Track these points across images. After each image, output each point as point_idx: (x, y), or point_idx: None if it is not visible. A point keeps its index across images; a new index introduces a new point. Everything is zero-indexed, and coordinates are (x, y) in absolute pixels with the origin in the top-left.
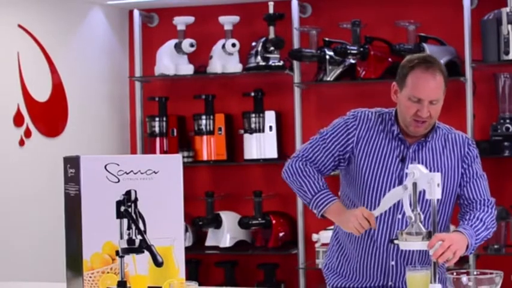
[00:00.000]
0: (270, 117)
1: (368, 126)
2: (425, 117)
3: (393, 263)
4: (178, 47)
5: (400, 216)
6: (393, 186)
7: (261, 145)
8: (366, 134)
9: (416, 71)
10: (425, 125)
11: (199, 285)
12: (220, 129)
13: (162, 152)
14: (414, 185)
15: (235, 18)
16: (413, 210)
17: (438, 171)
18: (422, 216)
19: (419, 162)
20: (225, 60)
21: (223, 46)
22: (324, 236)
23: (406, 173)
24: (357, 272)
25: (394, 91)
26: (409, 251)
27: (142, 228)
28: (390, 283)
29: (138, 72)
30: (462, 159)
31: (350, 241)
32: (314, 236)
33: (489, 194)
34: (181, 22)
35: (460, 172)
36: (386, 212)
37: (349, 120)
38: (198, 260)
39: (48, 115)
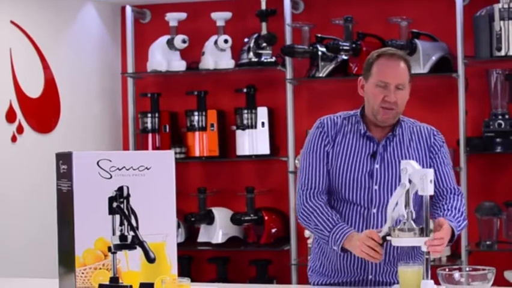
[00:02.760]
0: (262, 113)
1: (335, 130)
2: (393, 102)
3: None
4: (170, 43)
5: (375, 211)
6: (364, 182)
7: (253, 141)
8: (336, 136)
9: (380, 59)
10: (393, 113)
11: (192, 281)
12: (212, 125)
13: (154, 148)
14: (410, 182)
15: (228, 15)
16: (405, 208)
17: None
18: (415, 214)
19: (388, 156)
20: (217, 56)
21: (216, 42)
22: None
23: (376, 168)
24: (338, 269)
25: (361, 86)
26: (386, 245)
27: (134, 224)
28: (370, 277)
29: (130, 68)
30: (429, 149)
31: None
32: (306, 233)
33: (456, 183)
34: (173, 18)
35: (427, 162)
36: (361, 206)
37: (318, 129)
38: (190, 256)
39: (40, 111)
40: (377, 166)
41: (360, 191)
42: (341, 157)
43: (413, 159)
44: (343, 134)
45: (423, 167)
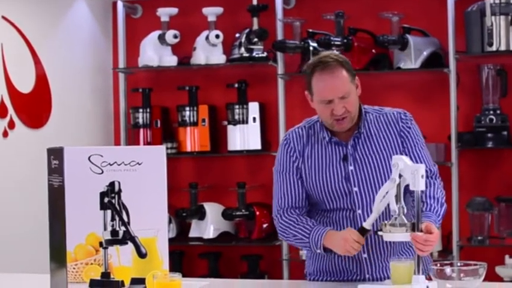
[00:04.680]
0: (253, 108)
1: (302, 143)
2: (341, 114)
3: (365, 255)
4: (161, 39)
5: (360, 212)
6: (343, 187)
7: (244, 136)
8: (303, 150)
9: (315, 76)
10: (347, 120)
11: (183, 276)
12: (203, 120)
13: (146, 143)
14: (400, 177)
15: (219, 10)
16: (396, 203)
17: (379, 155)
18: (406, 209)
19: (359, 155)
20: (208, 51)
21: (207, 37)
22: None
23: (351, 170)
24: (334, 271)
25: (309, 100)
26: (378, 242)
27: (125, 219)
28: (367, 275)
29: (122, 63)
30: (399, 134)
31: None
32: None
33: (431, 164)
34: (164, 13)
35: (399, 149)
36: (345, 210)
37: (284, 146)
38: (181, 251)
39: (32, 106)
40: (351, 168)
41: (341, 197)
42: (314, 169)
43: (384, 150)
44: (311, 146)
45: (395, 154)
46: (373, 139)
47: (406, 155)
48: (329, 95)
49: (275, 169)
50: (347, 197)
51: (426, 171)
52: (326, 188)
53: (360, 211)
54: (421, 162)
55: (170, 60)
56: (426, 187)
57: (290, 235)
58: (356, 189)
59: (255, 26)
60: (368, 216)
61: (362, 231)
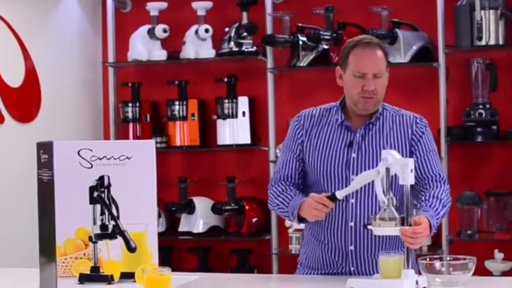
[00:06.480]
0: (243, 102)
1: (312, 123)
2: (371, 90)
3: (351, 247)
4: (151, 33)
5: (353, 201)
6: (341, 172)
7: (234, 131)
8: (311, 129)
9: (356, 49)
10: (372, 101)
11: (172, 270)
12: (193, 114)
13: (135, 137)
14: (387, 170)
15: (208, 4)
16: (385, 195)
17: (384, 150)
18: (395, 201)
19: (366, 145)
20: (198, 45)
21: (196, 32)
22: None
23: (353, 157)
24: (321, 262)
25: (339, 75)
26: (366, 235)
27: (115, 213)
28: (352, 268)
29: (111, 57)
30: (411, 137)
31: (310, 232)
32: (287, 222)
33: (441, 169)
34: (154, 8)
35: (408, 152)
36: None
37: (294, 123)
38: (171, 245)
39: (21, 101)
40: (354, 155)
41: (338, 181)
42: (318, 149)
43: (391, 147)
44: (321, 126)
45: (403, 156)
46: (383, 134)
47: (416, 158)
48: (366, 67)
49: (283, 143)
50: (344, 183)
51: (436, 175)
52: (325, 170)
53: (353, 200)
54: (429, 168)
55: (160, 54)
56: (432, 189)
57: (275, 204)
58: (353, 176)
59: (245, 20)
60: (361, 207)
61: (332, 197)
